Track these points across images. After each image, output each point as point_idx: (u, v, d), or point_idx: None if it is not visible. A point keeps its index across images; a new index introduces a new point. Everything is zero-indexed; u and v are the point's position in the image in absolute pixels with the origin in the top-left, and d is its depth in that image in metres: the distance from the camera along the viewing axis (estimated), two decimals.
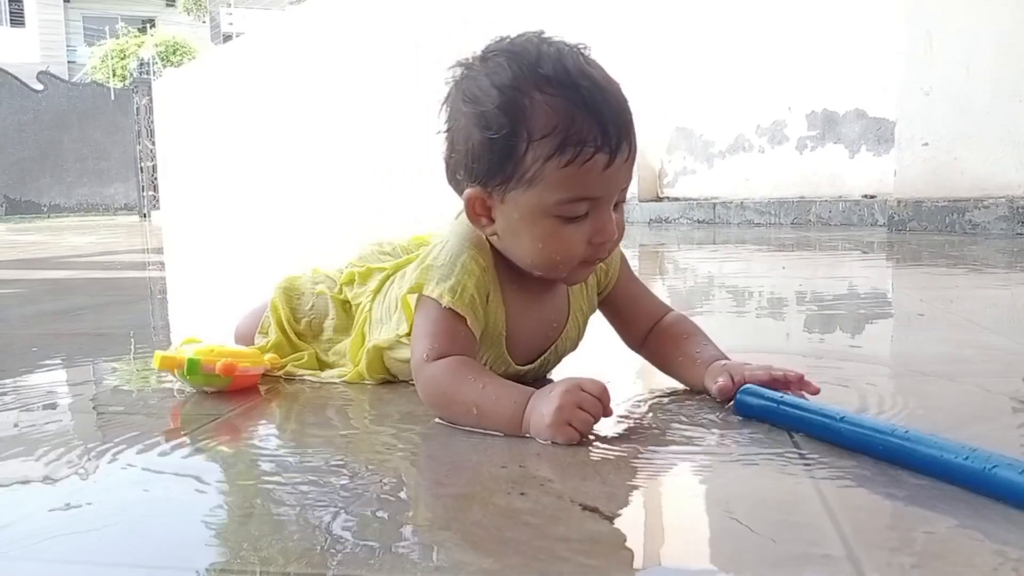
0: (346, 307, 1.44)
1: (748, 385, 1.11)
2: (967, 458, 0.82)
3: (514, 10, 7.82)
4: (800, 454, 0.95)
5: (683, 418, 1.11)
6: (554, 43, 1.07)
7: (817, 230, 5.42)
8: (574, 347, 1.33)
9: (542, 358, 1.27)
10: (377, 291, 1.37)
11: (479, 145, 1.07)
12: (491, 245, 1.17)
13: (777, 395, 1.06)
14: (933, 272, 2.95)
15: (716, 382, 1.14)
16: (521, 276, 1.19)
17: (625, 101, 1.07)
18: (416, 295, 1.17)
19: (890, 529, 0.76)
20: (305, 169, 11.36)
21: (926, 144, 4.78)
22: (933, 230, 4.67)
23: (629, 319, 1.33)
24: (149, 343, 2.01)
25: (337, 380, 1.37)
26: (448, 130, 1.13)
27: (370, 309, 1.36)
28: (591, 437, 1.01)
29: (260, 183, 12.37)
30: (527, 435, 1.02)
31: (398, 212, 9.15)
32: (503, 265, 1.18)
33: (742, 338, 1.81)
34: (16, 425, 1.22)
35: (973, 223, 4.50)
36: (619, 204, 1.12)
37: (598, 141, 1.03)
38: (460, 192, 1.15)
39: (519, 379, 1.17)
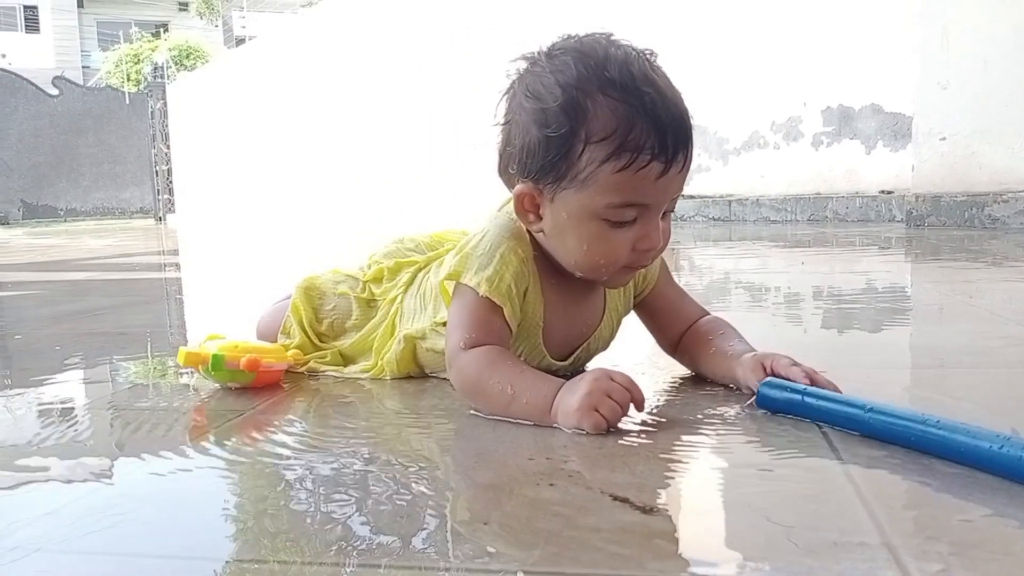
0: (370, 305, 1.43)
1: (770, 378, 1.09)
2: (1002, 446, 0.81)
3: (517, 14, 7.82)
4: (830, 444, 0.94)
5: (711, 410, 1.10)
6: (622, 47, 1.07)
7: (834, 226, 5.39)
8: (606, 346, 1.33)
9: (575, 355, 1.28)
10: (409, 283, 1.37)
11: (536, 142, 1.07)
12: (532, 238, 1.18)
13: (800, 387, 1.05)
14: (953, 267, 2.92)
15: (752, 378, 1.12)
16: (560, 272, 1.19)
17: (686, 111, 1.07)
18: (453, 282, 1.18)
19: (925, 517, 0.75)
20: (316, 172, 11.39)
21: (944, 139, 4.75)
22: (952, 225, 4.63)
23: (665, 323, 1.33)
24: (169, 342, 2.02)
25: (361, 375, 1.37)
26: (506, 123, 1.13)
27: (401, 302, 1.36)
28: (618, 427, 1.01)
29: (273, 186, 12.41)
30: (556, 424, 1.02)
31: (401, 217, 9.16)
32: (543, 259, 1.19)
33: (761, 334, 1.80)
34: (43, 422, 1.23)
35: (992, 217, 4.46)
36: (667, 213, 1.12)
37: (655, 149, 1.02)
38: (510, 186, 1.15)
39: (552, 374, 1.17)
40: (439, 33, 9.05)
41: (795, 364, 1.09)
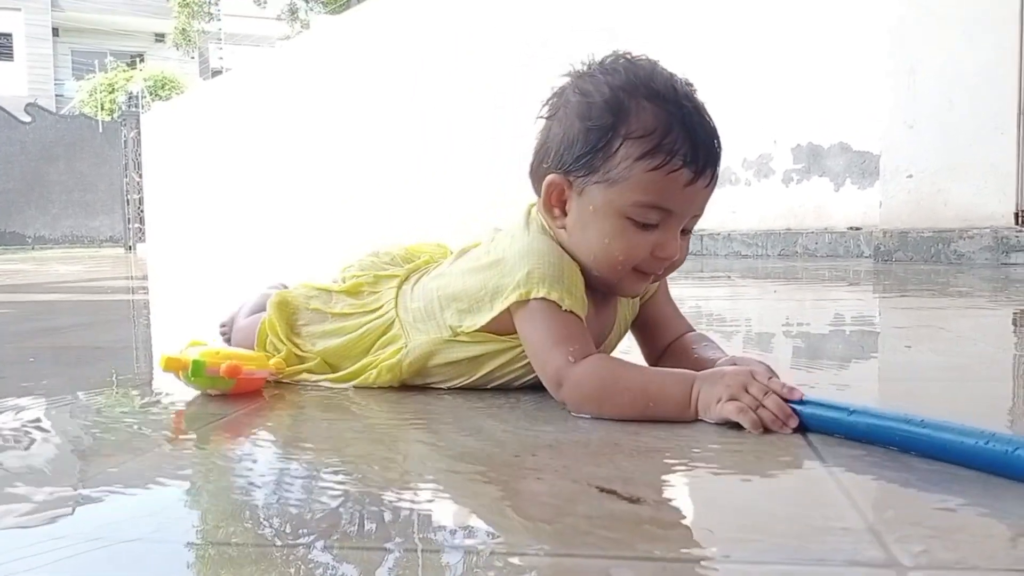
0: (341, 320, 1.41)
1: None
2: (988, 442, 0.83)
3: (496, 29, 7.93)
4: (810, 443, 0.95)
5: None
6: (667, 70, 1.15)
7: (804, 261, 5.48)
8: (613, 351, 1.35)
9: None
10: (397, 297, 1.35)
11: (577, 133, 1.13)
12: None
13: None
14: (922, 298, 2.98)
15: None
16: (589, 284, 1.21)
17: (718, 136, 1.13)
18: (508, 299, 1.16)
19: (906, 506, 0.77)
20: (291, 202, 11.38)
21: (911, 176, 4.86)
22: (919, 260, 4.73)
23: (655, 334, 1.36)
24: (143, 354, 2.01)
25: (345, 384, 1.36)
26: (548, 118, 1.19)
27: (396, 313, 1.33)
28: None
29: (246, 217, 12.37)
30: (698, 418, 1.04)
31: (385, 229, 9.16)
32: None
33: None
34: (22, 432, 1.21)
35: (958, 253, 4.56)
36: (687, 232, 1.17)
37: (687, 157, 1.08)
38: (537, 185, 1.20)
39: None
40: (428, 55, 9.14)
41: (772, 376, 1.10)
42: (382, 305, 1.36)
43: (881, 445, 0.92)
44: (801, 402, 1.02)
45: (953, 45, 4.68)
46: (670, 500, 0.81)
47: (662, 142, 1.08)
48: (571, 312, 1.14)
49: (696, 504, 0.81)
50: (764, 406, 1.00)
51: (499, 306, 1.18)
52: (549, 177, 1.16)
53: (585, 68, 1.18)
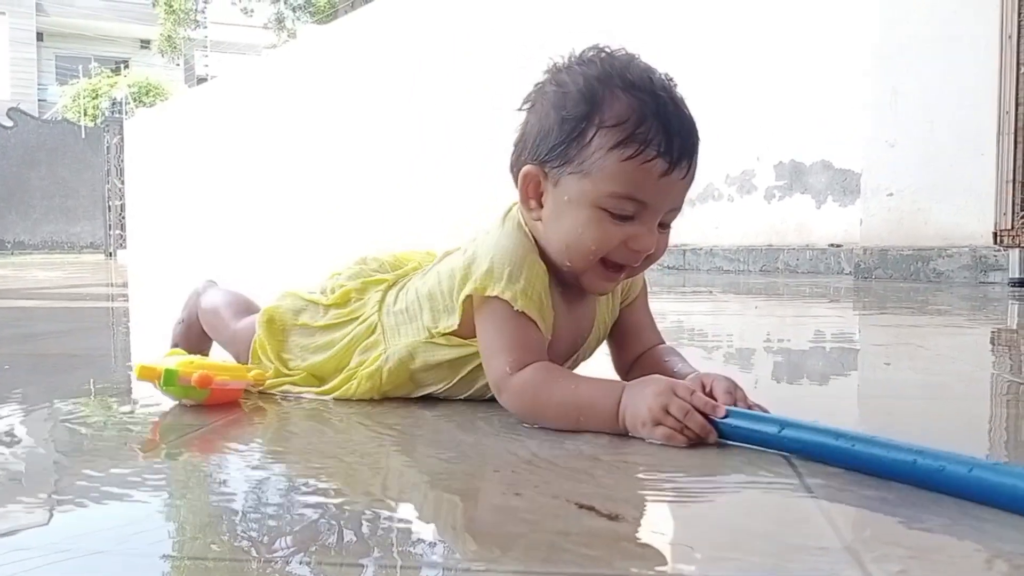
0: (330, 332, 1.40)
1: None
2: (915, 460, 0.84)
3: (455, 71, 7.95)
4: (789, 461, 0.95)
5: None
6: (644, 62, 1.15)
7: (785, 277, 5.51)
8: (591, 355, 1.35)
9: (568, 363, 1.29)
10: (381, 302, 1.34)
11: (552, 123, 1.13)
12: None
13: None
14: (901, 315, 3.00)
15: None
16: (563, 283, 1.21)
17: (695, 128, 1.13)
18: (470, 296, 1.18)
19: (884, 526, 0.76)
20: (274, 213, 11.34)
21: (891, 194, 4.91)
22: (898, 278, 4.77)
23: (627, 343, 1.35)
24: (119, 363, 1.98)
25: (327, 397, 1.35)
26: (528, 110, 1.19)
27: (379, 319, 1.32)
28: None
29: (229, 226, 12.31)
30: (627, 432, 1.04)
31: (350, 249, 9.15)
32: (550, 268, 1.20)
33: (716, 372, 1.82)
34: None
35: (937, 271, 4.60)
36: (665, 226, 1.16)
37: (661, 147, 1.08)
38: (516, 177, 1.19)
39: None
40: (424, 58, 9.15)
41: (733, 389, 1.09)
42: (366, 311, 1.35)
43: (811, 460, 0.93)
44: (727, 415, 1.01)
45: (935, 66, 4.73)
46: (648, 517, 0.81)
47: (636, 131, 1.07)
48: (523, 313, 1.14)
49: (675, 521, 0.80)
50: (687, 427, 1.00)
51: (457, 301, 1.20)
52: (525, 168, 1.16)
53: (564, 61, 1.18)
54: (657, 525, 0.79)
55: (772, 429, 0.97)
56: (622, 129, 1.07)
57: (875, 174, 5.00)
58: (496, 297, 1.15)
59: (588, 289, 1.22)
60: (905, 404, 1.39)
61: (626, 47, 1.17)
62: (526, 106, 1.19)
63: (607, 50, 1.16)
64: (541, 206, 1.17)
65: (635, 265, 1.18)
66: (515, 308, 1.14)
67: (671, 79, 1.15)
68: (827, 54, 5.93)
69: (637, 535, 0.75)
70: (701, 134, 1.14)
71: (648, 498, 0.86)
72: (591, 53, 1.16)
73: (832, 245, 5.89)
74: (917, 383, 1.60)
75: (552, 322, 1.20)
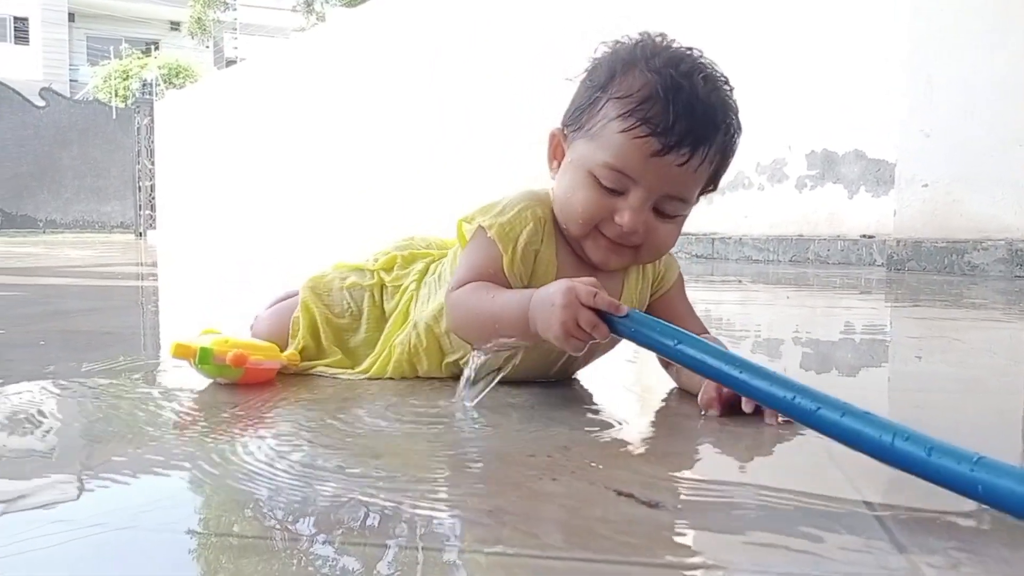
0: (378, 295, 1.42)
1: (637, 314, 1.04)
2: (796, 397, 0.87)
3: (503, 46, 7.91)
4: (829, 451, 0.94)
5: (709, 418, 1.10)
6: (694, 55, 1.14)
7: (815, 267, 5.45)
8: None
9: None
10: (424, 272, 1.38)
11: (578, 91, 1.19)
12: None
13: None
14: (935, 308, 2.96)
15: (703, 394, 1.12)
16: (580, 254, 1.22)
17: (716, 119, 1.11)
18: (471, 228, 1.23)
19: (934, 523, 0.75)
20: (303, 195, 11.39)
21: (926, 185, 4.83)
22: (931, 270, 4.70)
23: None
24: (154, 341, 2.00)
25: (362, 377, 1.35)
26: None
27: (416, 289, 1.36)
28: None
29: (258, 207, 12.38)
30: (538, 335, 1.05)
31: (378, 232, 9.16)
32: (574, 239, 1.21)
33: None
34: (28, 416, 1.20)
35: (972, 264, 4.53)
36: (669, 215, 1.14)
37: (659, 127, 1.07)
38: None
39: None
40: (445, 44, 9.14)
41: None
42: (407, 280, 1.38)
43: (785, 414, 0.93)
44: (628, 317, 1.01)
45: (971, 56, 4.64)
46: (688, 506, 0.79)
47: (637, 107, 1.08)
48: (494, 243, 1.18)
49: (715, 512, 0.79)
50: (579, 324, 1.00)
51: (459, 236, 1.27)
52: (552, 129, 1.23)
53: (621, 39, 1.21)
54: (697, 515, 0.78)
55: (670, 341, 0.98)
56: (626, 102, 1.10)
57: (910, 164, 4.92)
58: (479, 227, 1.21)
59: (590, 257, 1.21)
60: (936, 397, 1.37)
61: (682, 40, 1.18)
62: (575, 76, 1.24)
63: (658, 37, 1.16)
64: (560, 167, 1.22)
65: (628, 245, 1.16)
66: (488, 235, 1.18)
67: (719, 81, 1.13)
68: (861, 42, 5.83)
69: (677, 524, 0.73)
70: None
71: (687, 487, 0.85)
72: (639, 36, 1.17)
73: (864, 236, 5.81)
74: (950, 376, 1.57)
75: (552, 277, 1.18)
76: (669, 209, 1.14)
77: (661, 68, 1.10)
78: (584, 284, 1.02)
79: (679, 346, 0.97)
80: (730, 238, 6.47)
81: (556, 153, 1.23)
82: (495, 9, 8.62)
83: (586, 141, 1.14)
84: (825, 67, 6.08)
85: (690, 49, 1.15)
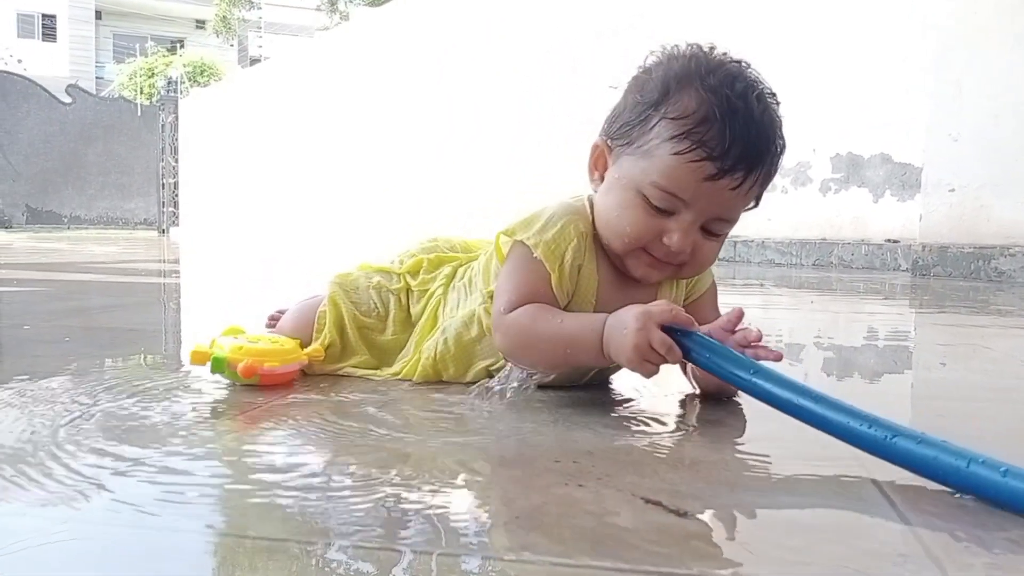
0: (404, 298, 1.42)
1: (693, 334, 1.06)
2: (871, 426, 0.86)
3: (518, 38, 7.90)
4: (862, 462, 0.92)
5: (737, 421, 1.09)
6: (745, 70, 1.13)
7: (839, 272, 5.40)
8: None
9: None
10: (451, 276, 1.37)
11: (626, 104, 1.16)
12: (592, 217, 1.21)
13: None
14: (961, 315, 2.92)
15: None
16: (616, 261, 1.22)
17: (770, 143, 1.10)
18: (509, 242, 1.21)
19: (967, 535, 0.73)
20: (325, 194, 11.43)
21: (953, 190, 4.77)
22: (958, 276, 4.64)
23: None
24: (176, 339, 2.01)
25: (390, 377, 1.35)
26: (621, 89, 1.21)
27: (444, 294, 1.35)
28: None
29: (280, 205, 12.44)
30: (610, 359, 1.07)
31: (400, 230, 9.17)
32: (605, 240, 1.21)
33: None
34: (51, 411, 1.21)
35: (999, 271, 4.47)
36: (714, 233, 1.14)
37: (715, 152, 1.06)
38: None
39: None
40: (457, 52, 9.15)
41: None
42: (434, 285, 1.37)
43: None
44: (703, 345, 1.03)
45: (1000, 60, 4.58)
46: (718, 515, 0.78)
47: (693, 128, 1.06)
48: (541, 264, 1.16)
49: (745, 521, 0.78)
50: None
51: (493, 265, 1.25)
52: (595, 140, 1.20)
53: (669, 48, 1.18)
54: (726, 525, 0.77)
55: (744, 373, 0.99)
56: (682, 123, 1.07)
57: (936, 168, 4.87)
58: (521, 242, 1.18)
59: (631, 272, 1.21)
60: (961, 406, 1.34)
61: (732, 52, 1.17)
62: (621, 84, 1.22)
63: (710, 51, 1.14)
64: (603, 179, 1.20)
65: (674, 263, 1.16)
66: (534, 255, 1.16)
67: (769, 96, 1.12)
68: (888, 44, 5.78)
69: (707, 534, 0.72)
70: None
71: (715, 496, 0.84)
72: (689, 49, 1.15)
73: (889, 240, 5.76)
74: (975, 384, 1.55)
75: (593, 291, 1.20)
76: (716, 228, 1.14)
77: (717, 87, 1.07)
78: (658, 306, 1.04)
79: (754, 378, 0.98)
80: (752, 241, 6.43)
81: (598, 164, 1.21)
82: (508, 7, 8.61)
83: (635, 159, 1.12)
84: (851, 69, 6.03)
85: (739, 62, 1.14)
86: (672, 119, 1.08)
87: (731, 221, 1.15)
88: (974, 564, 0.65)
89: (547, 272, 1.17)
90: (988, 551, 0.69)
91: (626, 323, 1.04)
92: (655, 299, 1.26)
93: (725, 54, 1.15)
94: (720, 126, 1.06)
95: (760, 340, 1.06)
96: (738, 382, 1.00)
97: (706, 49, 1.15)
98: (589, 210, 1.22)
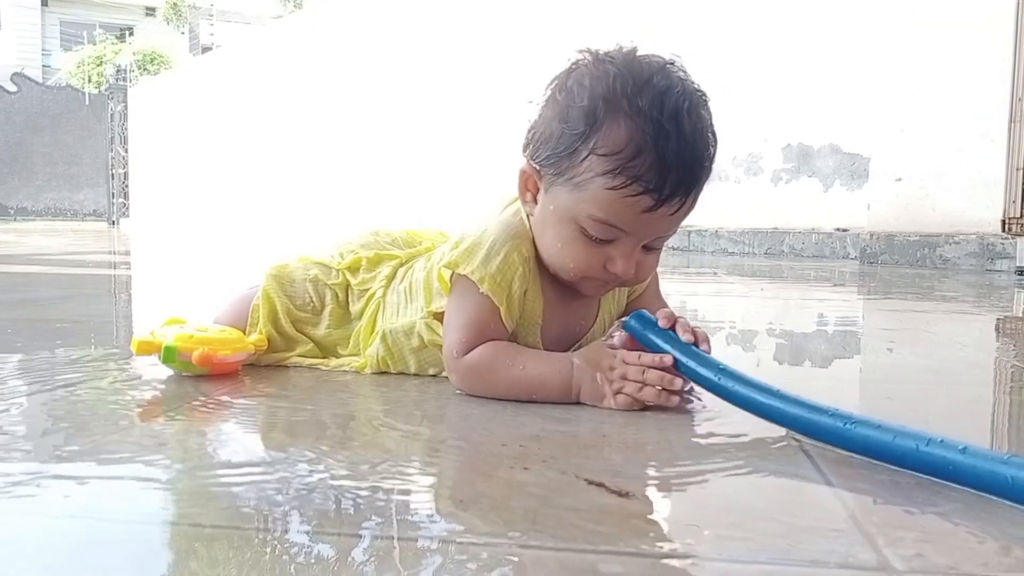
0: (342, 294, 1.40)
1: (642, 312, 1.14)
2: (831, 415, 0.90)
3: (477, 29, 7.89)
4: (798, 441, 0.94)
5: (680, 404, 1.10)
6: (672, 77, 1.07)
7: (790, 260, 5.49)
8: None
9: (570, 351, 1.27)
10: (391, 277, 1.34)
11: (552, 133, 1.09)
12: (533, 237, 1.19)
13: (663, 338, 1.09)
14: (907, 301, 2.99)
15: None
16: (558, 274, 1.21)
17: (702, 159, 1.07)
18: (451, 272, 1.18)
19: (897, 510, 0.75)
20: (276, 183, 11.30)
21: (899, 180, 4.87)
22: (904, 264, 4.75)
23: None
24: (126, 330, 1.97)
25: (346, 367, 1.34)
26: (541, 106, 1.15)
27: (383, 296, 1.33)
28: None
29: (232, 196, 12.28)
30: (581, 402, 1.10)
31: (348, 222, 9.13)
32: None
33: (723, 356, 1.81)
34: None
35: (944, 258, 4.58)
36: (655, 248, 1.14)
37: (651, 184, 1.03)
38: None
39: None
40: (403, 48, 9.10)
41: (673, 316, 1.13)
42: (374, 285, 1.35)
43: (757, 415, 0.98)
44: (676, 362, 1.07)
45: (947, 53, 4.69)
46: (658, 495, 0.80)
47: (627, 164, 1.02)
48: (488, 297, 1.14)
49: (684, 500, 0.79)
50: (647, 383, 1.06)
51: (434, 278, 1.23)
52: (523, 165, 1.16)
53: (588, 56, 1.12)
54: (666, 504, 0.78)
55: (710, 374, 1.03)
56: (613, 159, 1.03)
57: (884, 159, 4.97)
58: (465, 276, 1.16)
59: (583, 291, 1.21)
60: (907, 388, 1.38)
61: (659, 48, 1.13)
62: (547, 95, 1.14)
63: (632, 57, 1.09)
64: (536, 202, 1.16)
65: (616, 284, 1.17)
66: (480, 290, 1.14)
67: (697, 97, 1.07)
68: (838, 37, 5.87)
69: (647, 513, 0.74)
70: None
71: (657, 476, 0.85)
72: (613, 60, 1.08)
73: (838, 229, 5.87)
74: (920, 368, 1.59)
75: (539, 312, 1.20)
76: (656, 244, 1.14)
77: (646, 111, 1.02)
78: (630, 353, 1.09)
79: (720, 379, 1.02)
80: (706, 231, 6.51)
81: (529, 186, 1.16)
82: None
83: (568, 191, 1.08)
84: (802, 61, 6.12)
85: (666, 64, 1.08)
86: (603, 155, 1.03)
87: (669, 236, 1.16)
88: (904, 538, 0.67)
89: (495, 306, 1.15)
90: (918, 525, 0.71)
91: (598, 362, 1.10)
92: (597, 310, 1.29)
93: (650, 56, 1.10)
94: (654, 157, 1.02)
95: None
96: (707, 384, 1.04)
97: (630, 54, 1.09)
98: (528, 223, 1.19)
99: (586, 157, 1.05)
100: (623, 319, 1.15)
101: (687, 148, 1.04)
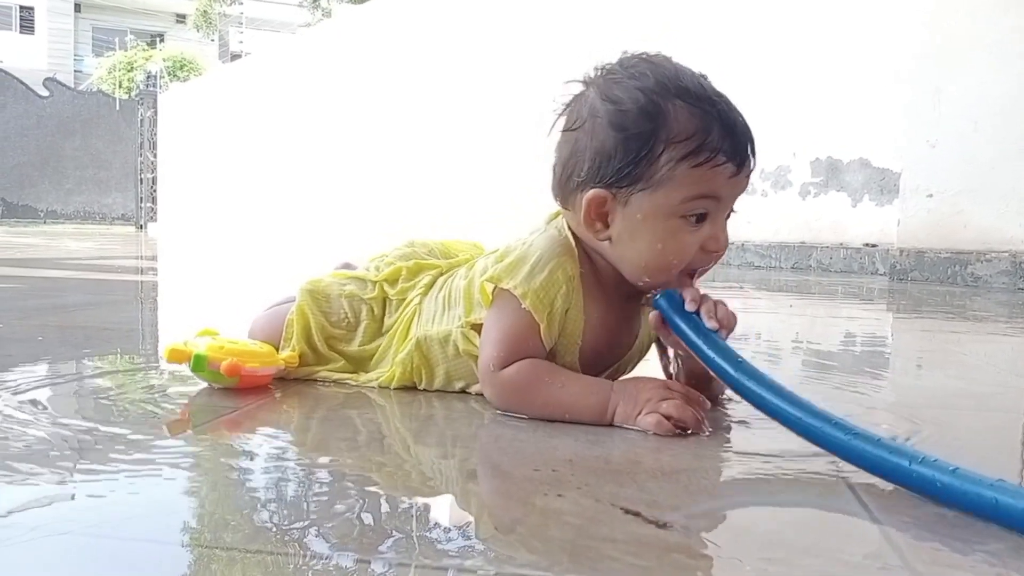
0: (378, 308, 1.39)
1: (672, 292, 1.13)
2: (835, 424, 0.90)
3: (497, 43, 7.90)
4: (842, 475, 0.92)
5: (715, 425, 1.09)
6: (679, 64, 1.14)
7: (817, 275, 5.43)
8: (631, 369, 1.32)
9: (607, 373, 1.26)
10: (429, 286, 1.34)
11: (613, 145, 1.09)
12: (579, 255, 1.18)
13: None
14: (937, 319, 2.94)
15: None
16: (604, 292, 1.20)
17: (745, 121, 1.13)
18: (493, 286, 1.17)
19: (946, 547, 0.73)
20: (304, 192, 11.37)
21: (930, 195, 4.81)
22: (934, 281, 4.68)
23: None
24: (153, 339, 1.98)
25: (374, 383, 1.32)
26: (572, 130, 1.14)
27: (420, 303, 1.32)
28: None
29: (260, 202, 12.36)
30: (614, 424, 1.10)
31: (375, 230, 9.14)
32: (590, 276, 1.19)
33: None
34: (22, 414, 1.18)
35: (975, 276, 4.52)
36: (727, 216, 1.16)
37: (730, 152, 1.08)
38: (567, 199, 1.17)
39: None
40: (439, 55, 9.12)
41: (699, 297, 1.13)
42: (413, 293, 1.34)
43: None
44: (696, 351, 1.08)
45: (979, 68, 4.63)
46: (697, 526, 0.78)
47: (704, 142, 1.07)
48: (529, 314, 1.14)
49: (725, 532, 0.77)
50: (679, 419, 1.06)
51: (475, 288, 1.22)
52: (589, 193, 1.11)
53: (603, 73, 1.14)
54: (707, 536, 0.76)
55: (731, 368, 1.03)
56: (692, 142, 1.07)
57: (915, 174, 4.91)
58: (508, 290, 1.15)
59: (680, 286, 1.17)
60: (935, 412, 1.35)
61: (661, 51, 1.16)
62: (573, 125, 1.14)
63: (647, 56, 1.14)
64: (607, 226, 1.14)
65: (707, 267, 1.18)
66: (522, 306, 1.13)
67: (704, 76, 1.14)
68: (868, 51, 5.82)
69: (687, 545, 0.72)
70: None
71: (695, 506, 0.83)
72: (636, 63, 1.13)
73: (867, 245, 5.80)
74: (950, 390, 1.56)
75: (580, 332, 1.19)
76: (729, 214, 1.17)
77: (696, 91, 1.09)
78: (675, 383, 1.13)
79: (736, 372, 1.02)
80: (732, 244, 6.42)
81: (597, 214, 1.13)
82: (486, 7, 8.60)
83: (651, 191, 1.09)
84: (832, 75, 6.07)
85: (669, 59, 1.15)
86: (679, 142, 1.07)
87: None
88: None
89: (536, 322, 1.14)
90: (968, 564, 0.69)
91: (640, 388, 1.11)
92: (638, 331, 1.28)
93: (657, 53, 1.15)
94: (723, 129, 1.08)
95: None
96: (719, 370, 1.04)
97: (633, 57, 1.14)
98: (573, 240, 1.18)
99: (663, 151, 1.08)
100: (652, 294, 1.15)
101: (738, 115, 1.11)
